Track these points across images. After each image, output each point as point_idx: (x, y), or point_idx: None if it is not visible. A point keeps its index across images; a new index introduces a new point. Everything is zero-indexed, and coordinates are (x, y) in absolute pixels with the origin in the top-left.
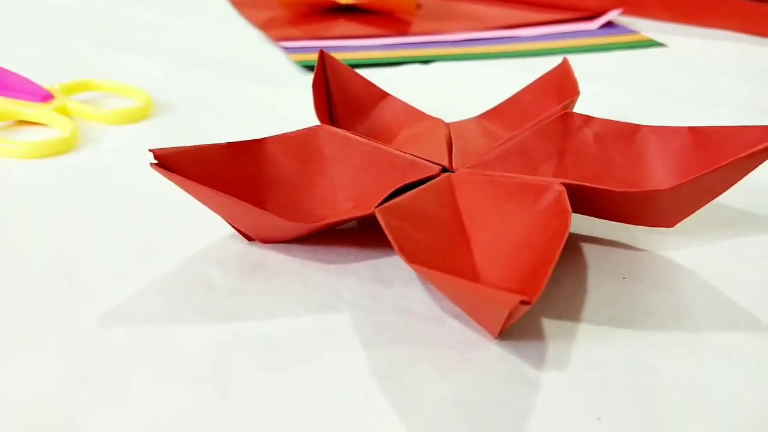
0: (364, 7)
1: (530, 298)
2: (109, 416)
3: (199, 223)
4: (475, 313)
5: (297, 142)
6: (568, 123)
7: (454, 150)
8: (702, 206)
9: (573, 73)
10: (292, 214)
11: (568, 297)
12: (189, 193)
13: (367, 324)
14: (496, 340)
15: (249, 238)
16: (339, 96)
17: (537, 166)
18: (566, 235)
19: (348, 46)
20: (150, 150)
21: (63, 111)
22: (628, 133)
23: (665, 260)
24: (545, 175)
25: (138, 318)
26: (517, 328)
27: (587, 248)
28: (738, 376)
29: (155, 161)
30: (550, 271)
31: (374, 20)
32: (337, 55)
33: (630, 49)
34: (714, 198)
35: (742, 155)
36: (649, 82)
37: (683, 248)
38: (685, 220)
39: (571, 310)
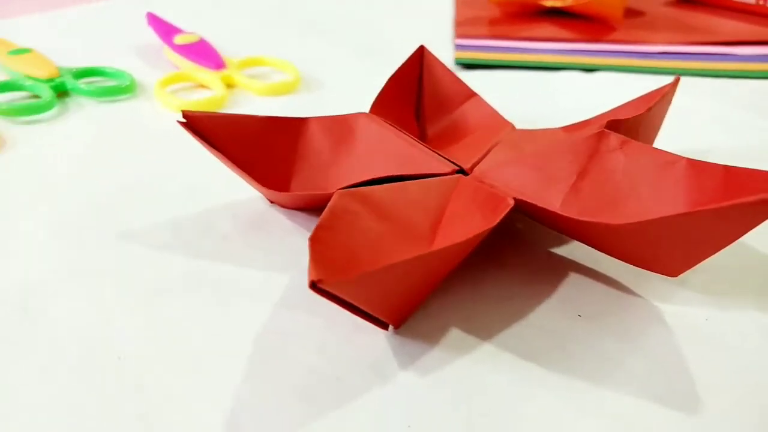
0: (572, 11)
1: (322, 281)
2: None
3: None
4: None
5: (337, 124)
6: (601, 143)
7: (489, 155)
8: (708, 255)
9: (672, 94)
10: (307, 187)
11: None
12: (212, 154)
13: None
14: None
15: (270, 201)
16: (429, 90)
17: (550, 184)
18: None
19: (530, 48)
20: (182, 111)
21: (227, 80)
22: (663, 165)
23: (647, 309)
24: (554, 194)
25: (149, 243)
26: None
27: (572, 276)
28: None
29: (183, 120)
30: (379, 266)
31: (578, 25)
32: (516, 56)
33: None
34: (721, 247)
35: (743, 200)
36: None
37: (676, 302)
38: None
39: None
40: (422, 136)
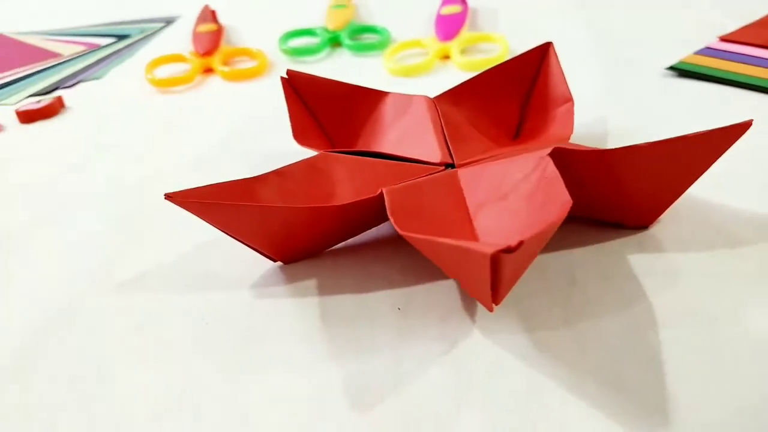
0: None
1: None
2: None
3: None
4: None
5: (402, 100)
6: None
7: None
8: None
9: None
10: (364, 146)
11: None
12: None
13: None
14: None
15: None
16: (541, 85)
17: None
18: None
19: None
20: (287, 70)
21: (443, 51)
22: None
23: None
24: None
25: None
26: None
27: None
28: None
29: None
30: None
31: None
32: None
33: None
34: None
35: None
36: None
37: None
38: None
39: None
40: (518, 127)
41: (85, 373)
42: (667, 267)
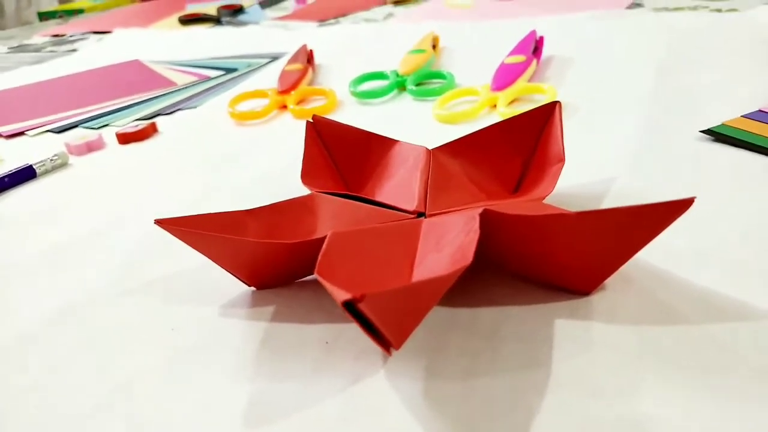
0: None
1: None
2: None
3: None
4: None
5: (408, 150)
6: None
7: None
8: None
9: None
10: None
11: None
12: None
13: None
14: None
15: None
16: (543, 143)
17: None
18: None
19: None
20: (313, 114)
21: (492, 101)
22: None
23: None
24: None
25: None
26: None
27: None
28: None
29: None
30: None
31: None
32: None
33: None
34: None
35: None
36: None
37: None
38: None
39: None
40: (519, 182)
41: (59, 363)
42: (585, 336)
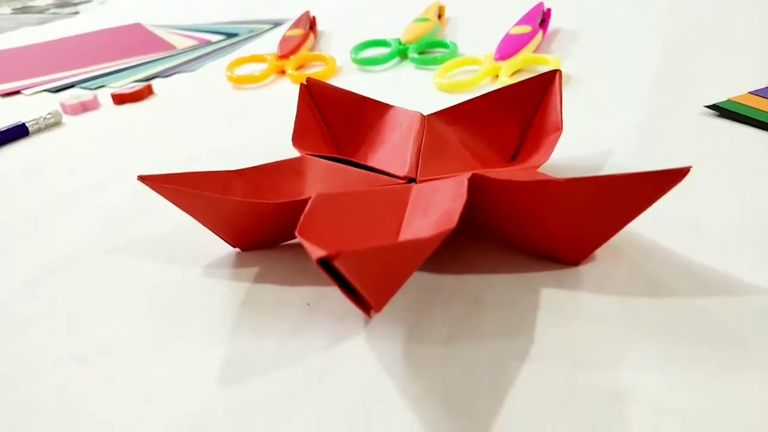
0: None
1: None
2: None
3: None
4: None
5: (403, 115)
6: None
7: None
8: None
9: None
10: (362, 158)
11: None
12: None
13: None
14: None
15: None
16: (542, 112)
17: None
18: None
19: None
20: (307, 77)
21: (494, 71)
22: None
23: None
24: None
25: None
26: None
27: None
28: None
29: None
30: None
31: None
32: None
33: None
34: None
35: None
36: None
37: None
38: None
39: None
40: (517, 150)
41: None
42: (572, 306)
